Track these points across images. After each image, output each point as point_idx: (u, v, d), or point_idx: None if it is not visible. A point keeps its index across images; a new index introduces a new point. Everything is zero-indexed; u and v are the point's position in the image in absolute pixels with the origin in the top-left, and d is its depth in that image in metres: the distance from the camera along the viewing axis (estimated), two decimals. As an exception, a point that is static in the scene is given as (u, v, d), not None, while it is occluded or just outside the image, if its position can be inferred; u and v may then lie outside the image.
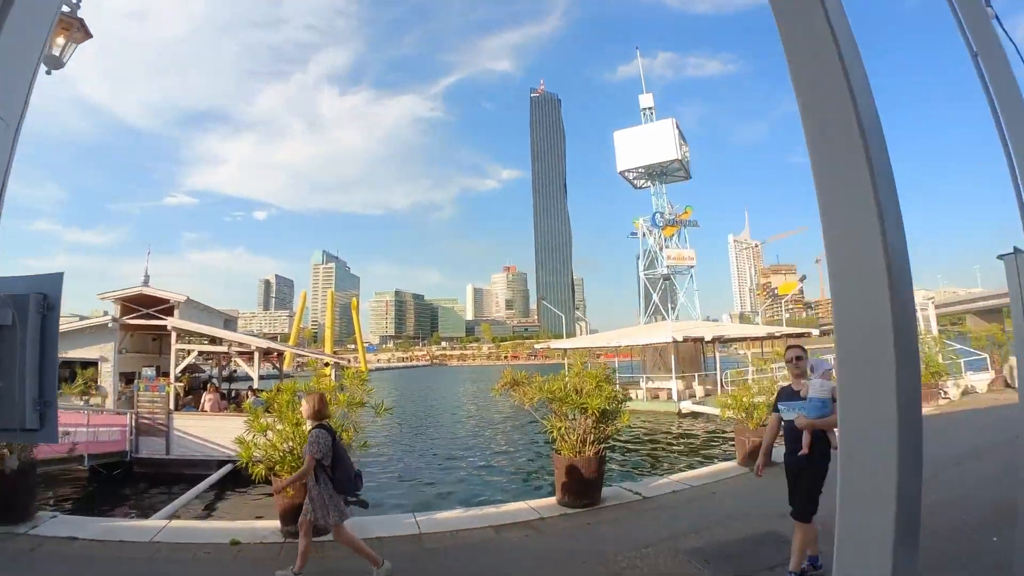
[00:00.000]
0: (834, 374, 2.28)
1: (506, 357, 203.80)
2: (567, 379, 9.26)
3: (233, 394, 20.26)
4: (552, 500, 8.84)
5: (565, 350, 36.60)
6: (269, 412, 8.43)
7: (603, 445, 8.78)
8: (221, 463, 15.11)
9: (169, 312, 18.53)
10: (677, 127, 61.35)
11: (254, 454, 7.69)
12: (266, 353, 21.05)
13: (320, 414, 6.07)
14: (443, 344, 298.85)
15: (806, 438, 5.19)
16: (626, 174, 63.77)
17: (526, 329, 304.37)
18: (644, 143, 61.74)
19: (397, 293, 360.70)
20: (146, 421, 16.06)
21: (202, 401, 17.45)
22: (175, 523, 8.29)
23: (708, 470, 11.28)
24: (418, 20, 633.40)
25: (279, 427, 7.82)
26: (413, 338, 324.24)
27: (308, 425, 6.22)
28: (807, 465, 5.23)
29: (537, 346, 72.12)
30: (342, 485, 5.78)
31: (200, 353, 19.85)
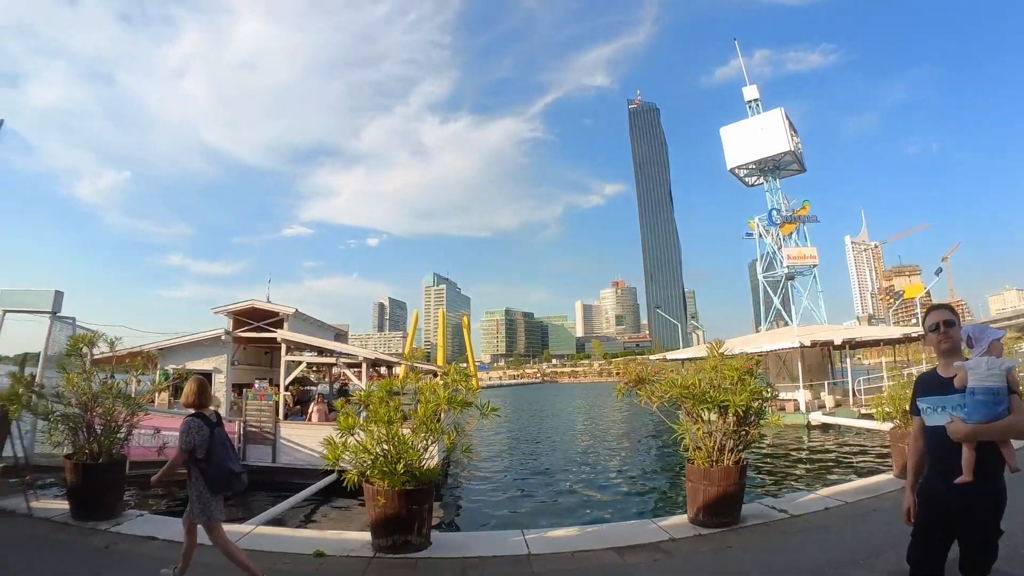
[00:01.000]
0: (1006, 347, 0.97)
1: (617, 373, 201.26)
2: (703, 373, 7.80)
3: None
4: (683, 518, 7.54)
5: (682, 361, 34.55)
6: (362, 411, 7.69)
7: (744, 453, 7.43)
8: (326, 472, 14.75)
9: (279, 325, 18.70)
10: (786, 117, 57.64)
11: (342, 457, 6.83)
12: (374, 365, 20.92)
13: (199, 402, 5.51)
14: (554, 361, 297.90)
15: (968, 455, 3.23)
16: (737, 171, 60.49)
17: (637, 345, 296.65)
18: (753, 137, 58.37)
19: (507, 312, 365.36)
20: (253, 429, 16.23)
21: (309, 411, 17.45)
22: (261, 529, 7.72)
23: (862, 483, 9.75)
24: (511, 43, 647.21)
25: (371, 427, 6.92)
26: (524, 356, 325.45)
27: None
28: (974, 499, 3.26)
29: (652, 357, 68.94)
30: (213, 482, 5.25)
31: (309, 365, 19.95)
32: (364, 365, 18.50)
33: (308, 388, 23.50)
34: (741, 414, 7.11)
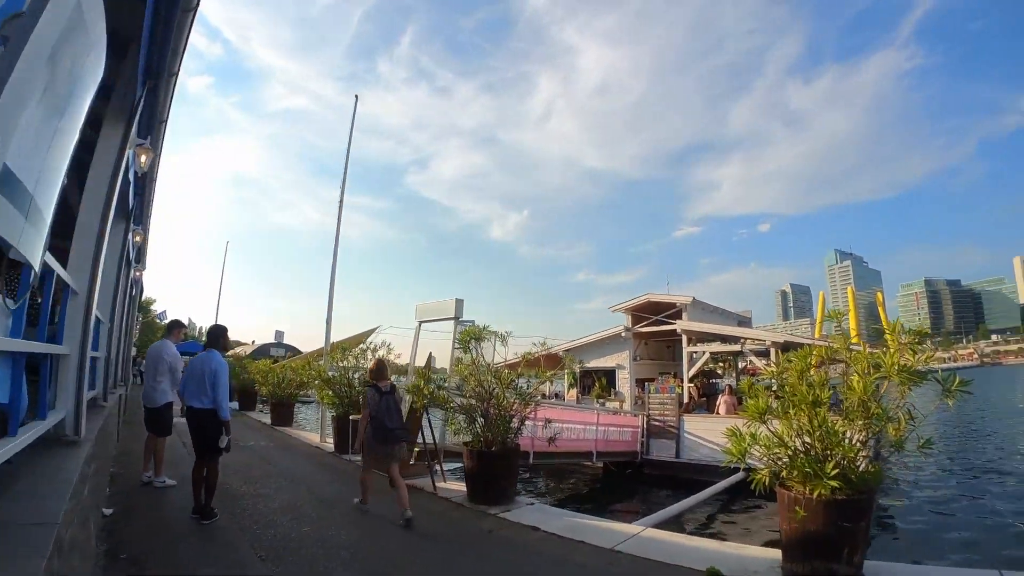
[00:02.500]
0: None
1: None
2: None
3: None
4: None
5: None
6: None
7: None
8: (732, 470, 13.00)
9: (677, 316, 18.27)
10: None
11: (750, 451, 5.06)
12: (784, 350, 18.21)
13: (374, 377, 7.04)
14: (994, 337, 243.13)
15: None
16: None
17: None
18: None
19: (927, 282, 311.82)
20: (656, 423, 15.70)
21: (717, 403, 16.13)
22: (649, 532, 6.53)
23: None
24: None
25: (789, 413, 4.97)
26: (953, 334, 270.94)
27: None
28: None
29: None
30: (375, 432, 6.70)
31: (714, 356, 18.55)
32: (773, 351, 16.06)
33: (714, 381, 21.98)
34: None
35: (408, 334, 12.18)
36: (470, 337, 8.20)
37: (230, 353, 22.25)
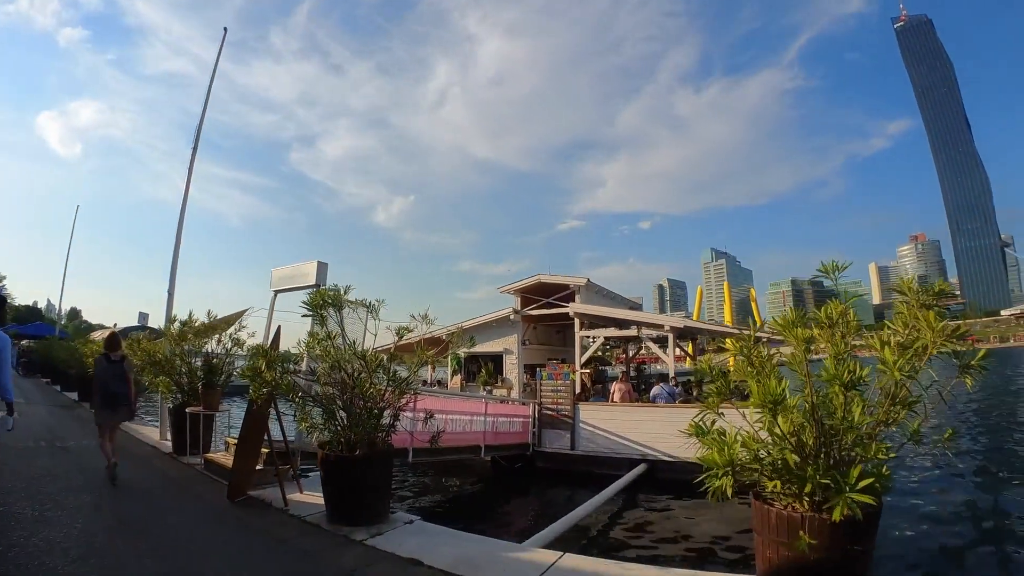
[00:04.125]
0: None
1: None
2: None
3: (644, 386, 17.34)
4: None
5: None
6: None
7: None
8: (632, 463, 12.61)
9: (570, 299, 17.20)
10: None
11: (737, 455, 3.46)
12: (682, 336, 17.70)
13: (105, 347, 8.03)
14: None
15: None
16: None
17: (947, 309, 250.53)
18: None
19: (793, 282, 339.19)
20: (549, 412, 14.24)
21: (611, 391, 15.01)
22: (570, 560, 4.75)
23: None
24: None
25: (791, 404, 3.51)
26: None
27: None
28: None
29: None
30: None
31: (606, 341, 17.64)
32: (672, 337, 15.25)
33: (604, 368, 21.09)
34: None
35: (290, 318, 9.92)
36: (324, 302, 5.95)
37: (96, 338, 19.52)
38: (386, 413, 5.80)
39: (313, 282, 8.99)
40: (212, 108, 13.70)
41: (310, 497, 6.67)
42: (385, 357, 5.99)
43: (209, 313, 10.80)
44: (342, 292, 6.03)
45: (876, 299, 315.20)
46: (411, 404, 6.32)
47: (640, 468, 12.34)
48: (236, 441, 7.88)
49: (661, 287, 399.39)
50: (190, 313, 10.67)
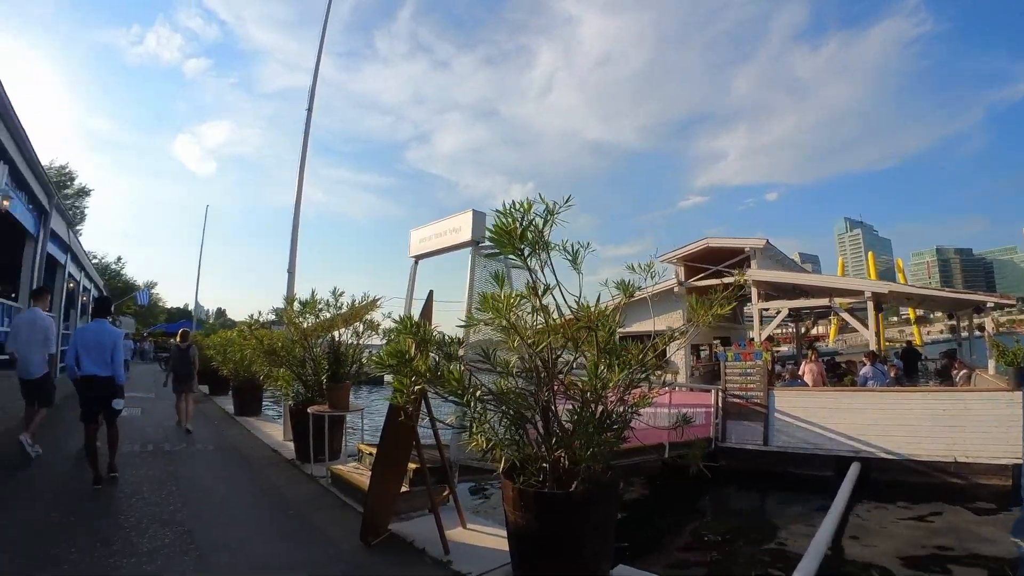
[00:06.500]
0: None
1: None
2: None
3: (842, 366, 14.33)
4: None
5: None
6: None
7: None
8: (840, 461, 10.38)
9: (741, 265, 14.22)
10: None
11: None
12: (879, 305, 14.48)
13: (179, 339, 11.12)
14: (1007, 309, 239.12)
15: None
16: None
17: None
18: None
19: (938, 251, 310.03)
20: (736, 400, 11.56)
21: (800, 373, 12.36)
22: None
23: None
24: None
25: None
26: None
27: None
28: None
29: None
30: None
31: (790, 313, 14.69)
32: (871, 306, 12.28)
33: (775, 349, 18.16)
34: None
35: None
36: (525, 235, 3.34)
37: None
38: (617, 422, 3.64)
39: (468, 238, 6.59)
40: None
41: (477, 534, 4.73)
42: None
43: (335, 291, 8.83)
44: (540, 223, 3.37)
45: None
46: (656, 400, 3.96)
47: (854, 469, 9.79)
48: (370, 449, 6.09)
49: (793, 262, 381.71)
50: (312, 292, 8.84)
